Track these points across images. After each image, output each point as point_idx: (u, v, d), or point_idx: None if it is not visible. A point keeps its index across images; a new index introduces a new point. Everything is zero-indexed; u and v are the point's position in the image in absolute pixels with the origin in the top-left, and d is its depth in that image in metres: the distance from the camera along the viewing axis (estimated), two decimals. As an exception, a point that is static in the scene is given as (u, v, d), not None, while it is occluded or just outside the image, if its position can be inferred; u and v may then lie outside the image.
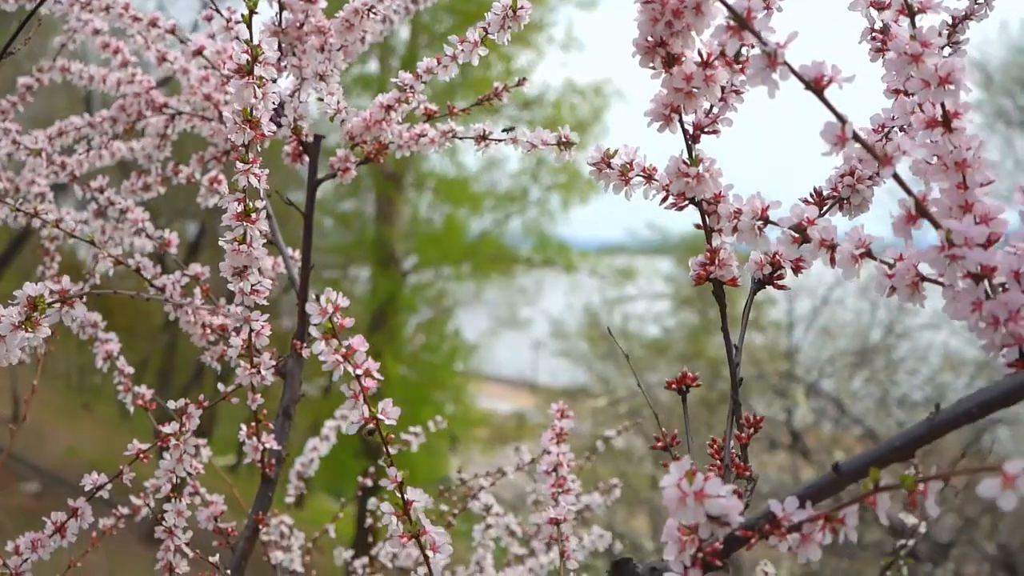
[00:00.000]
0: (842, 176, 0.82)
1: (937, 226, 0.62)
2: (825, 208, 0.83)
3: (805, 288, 7.67)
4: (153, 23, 1.27)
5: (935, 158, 0.66)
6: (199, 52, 1.27)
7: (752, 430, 0.75)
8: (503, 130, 1.11)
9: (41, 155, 1.30)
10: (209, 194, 1.38)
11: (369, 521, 1.60)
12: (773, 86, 0.61)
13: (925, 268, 0.67)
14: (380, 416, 0.76)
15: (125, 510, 1.27)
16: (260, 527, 1.17)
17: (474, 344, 11.84)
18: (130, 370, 1.25)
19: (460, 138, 1.15)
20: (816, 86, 0.61)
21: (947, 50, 0.85)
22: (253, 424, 1.12)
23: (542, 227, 11.52)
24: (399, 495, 0.78)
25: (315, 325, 0.74)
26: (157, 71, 1.41)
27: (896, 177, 0.61)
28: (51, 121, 1.38)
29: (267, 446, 1.13)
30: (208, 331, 1.22)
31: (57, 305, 0.80)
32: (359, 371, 0.75)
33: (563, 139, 1.04)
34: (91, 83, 1.39)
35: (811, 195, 0.83)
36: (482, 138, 1.12)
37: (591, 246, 11.63)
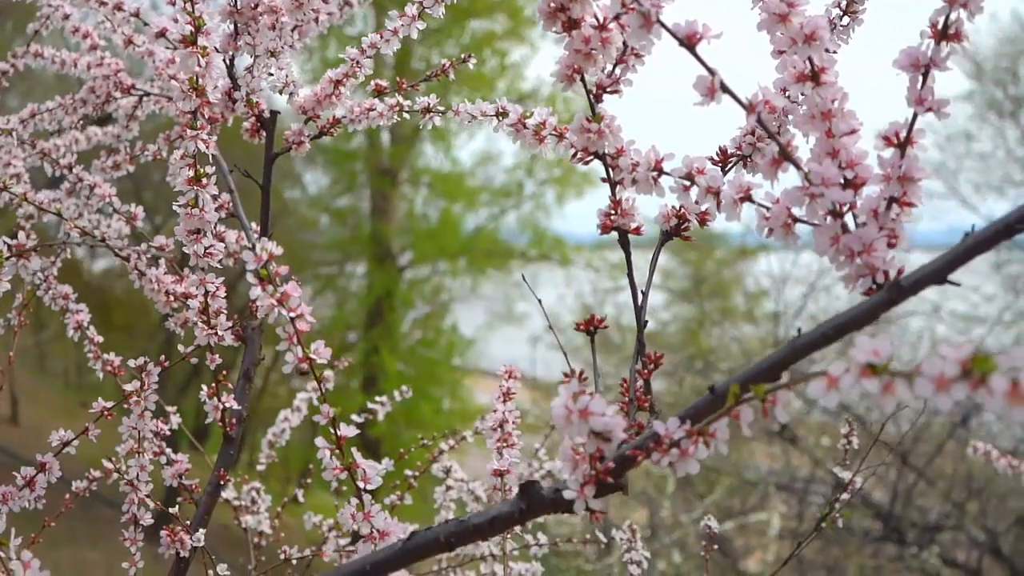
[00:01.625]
0: (745, 135, 0.88)
1: (799, 168, 0.68)
2: (730, 165, 0.89)
3: (794, 276, 7.73)
4: (118, 7, 1.32)
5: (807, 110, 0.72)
6: (162, 34, 1.33)
7: (653, 366, 0.82)
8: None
9: (12, 135, 1.36)
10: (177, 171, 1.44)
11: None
12: (649, 44, 0.67)
13: (799, 211, 0.73)
14: (313, 356, 0.82)
15: (97, 473, 1.33)
16: (222, 483, 1.23)
17: (471, 339, 11.90)
18: (100, 339, 1.31)
19: (408, 111, 1.21)
20: (688, 43, 0.67)
21: (845, 19, 0.91)
22: (213, 384, 1.18)
23: (537, 222, 11.59)
24: (332, 431, 0.84)
25: (250, 271, 0.80)
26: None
27: (761, 124, 0.68)
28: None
29: (227, 406, 1.19)
30: (171, 299, 1.28)
31: (13, 259, 0.86)
32: (293, 314, 0.81)
33: (500, 111, 1.10)
34: (63, 67, 1.45)
35: (717, 153, 0.90)
36: (426, 111, 1.18)
37: (587, 240, 11.69)
